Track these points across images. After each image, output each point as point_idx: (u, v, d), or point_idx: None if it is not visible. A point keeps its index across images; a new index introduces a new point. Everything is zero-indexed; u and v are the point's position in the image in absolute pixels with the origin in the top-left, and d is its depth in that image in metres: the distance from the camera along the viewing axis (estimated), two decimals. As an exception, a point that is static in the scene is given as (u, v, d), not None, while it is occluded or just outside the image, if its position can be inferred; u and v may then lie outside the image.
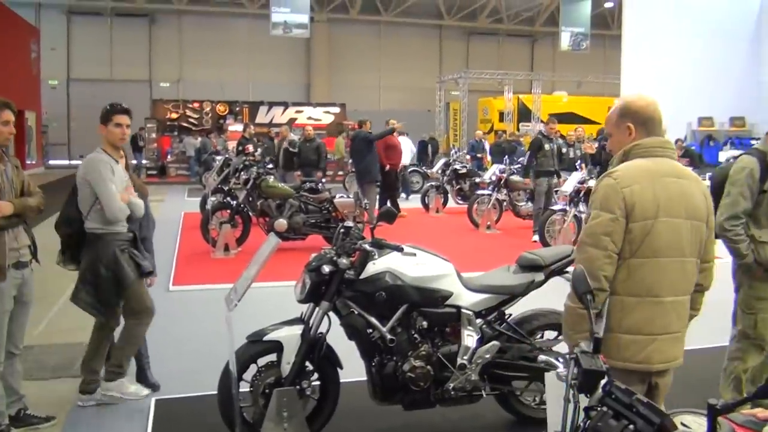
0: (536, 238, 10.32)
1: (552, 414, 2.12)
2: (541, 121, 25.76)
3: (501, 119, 26.69)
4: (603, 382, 1.53)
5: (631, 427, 1.46)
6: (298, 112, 26.96)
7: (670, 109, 13.69)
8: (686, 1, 17.90)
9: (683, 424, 1.48)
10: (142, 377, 4.68)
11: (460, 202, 14.51)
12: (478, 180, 13.96)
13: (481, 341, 3.85)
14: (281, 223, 9.35)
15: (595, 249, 2.55)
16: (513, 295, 3.95)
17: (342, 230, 3.92)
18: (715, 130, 17.71)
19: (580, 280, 1.83)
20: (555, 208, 10.34)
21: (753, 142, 16.93)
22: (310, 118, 26.29)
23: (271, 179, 10.01)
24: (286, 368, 3.71)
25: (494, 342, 3.84)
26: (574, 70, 29.75)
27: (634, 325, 2.57)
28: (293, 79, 31.62)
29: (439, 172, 15.55)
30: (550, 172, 11.03)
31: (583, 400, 1.56)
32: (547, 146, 11.00)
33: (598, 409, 1.51)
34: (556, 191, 10.87)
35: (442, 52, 33.84)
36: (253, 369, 3.82)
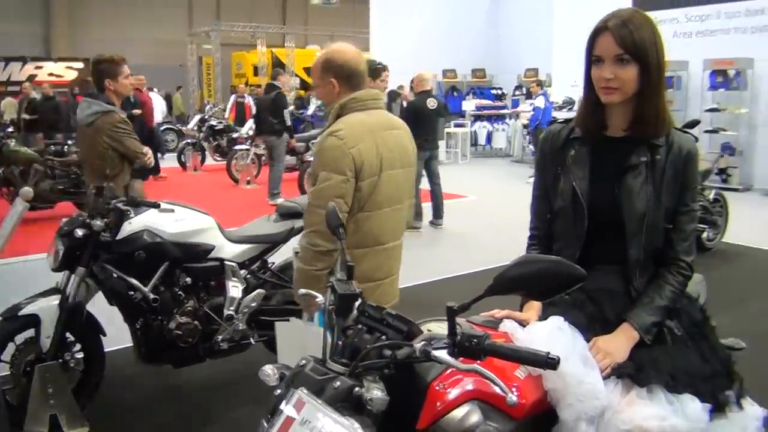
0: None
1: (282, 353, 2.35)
2: (296, 75, 25.96)
3: (256, 73, 26.42)
4: (357, 303, 1.66)
5: (384, 337, 1.62)
6: (38, 68, 24.49)
7: (420, 61, 14.45)
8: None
9: (429, 330, 1.65)
10: None
11: (219, 159, 14.26)
12: (235, 135, 13.79)
13: (247, 291, 3.90)
14: (27, 191, 8.49)
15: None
16: (274, 243, 4.04)
17: (94, 191, 3.71)
18: (458, 81, 19.04)
19: (333, 215, 1.94)
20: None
21: (493, 91, 18.57)
22: (51, 74, 24.04)
23: (12, 143, 9.12)
24: (46, 342, 3.49)
25: (259, 290, 3.92)
26: (326, 24, 30.16)
27: (363, 274, 2.62)
28: (29, 31, 28.45)
29: (195, 128, 15.11)
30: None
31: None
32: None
33: (354, 327, 1.63)
34: None
35: (191, 3, 32.46)
36: (11, 348, 3.55)
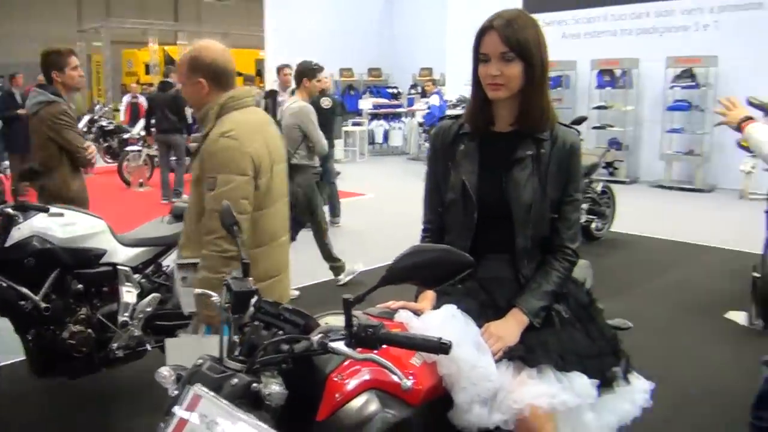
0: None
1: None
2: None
3: (147, 72, 25.59)
4: (253, 300, 1.65)
5: (281, 332, 1.62)
6: None
7: (316, 60, 14.32)
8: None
9: (326, 323, 1.67)
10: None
11: (109, 160, 13.75)
12: (126, 136, 13.33)
13: (141, 295, 3.79)
14: None
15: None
16: (168, 245, 3.94)
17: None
18: (355, 80, 19.12)
19: (227, 213, 1.92)
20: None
21: (389, 90, 18.75)
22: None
23: None
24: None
25: (154, 294, 3.81)
26: (219, 21, 29.58)
27: (265, 272, 2.65)
28: None
29: (84, 129, 14.52)
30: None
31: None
32: None
33: (251, 324, 1.62)
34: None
35: None
36: None
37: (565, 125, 2.13)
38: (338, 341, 1.53)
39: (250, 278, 1.71)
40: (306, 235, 6.12)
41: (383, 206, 10.23)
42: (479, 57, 2.00)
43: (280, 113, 8.69)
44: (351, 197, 10.62)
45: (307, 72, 6.16)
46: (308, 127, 5.94)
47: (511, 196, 2.02)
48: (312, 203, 6.06)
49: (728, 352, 4.74)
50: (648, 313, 5.41)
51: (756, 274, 4.94)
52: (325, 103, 8.44)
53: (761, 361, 3.23)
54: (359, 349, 1.53)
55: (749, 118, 2.66)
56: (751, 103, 3.98)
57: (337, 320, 1.66)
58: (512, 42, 1.94)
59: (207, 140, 2.62)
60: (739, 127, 2.68)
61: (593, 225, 7.67)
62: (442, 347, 1.44)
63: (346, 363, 1.68)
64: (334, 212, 8.71)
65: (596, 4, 13.11)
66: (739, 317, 5.30)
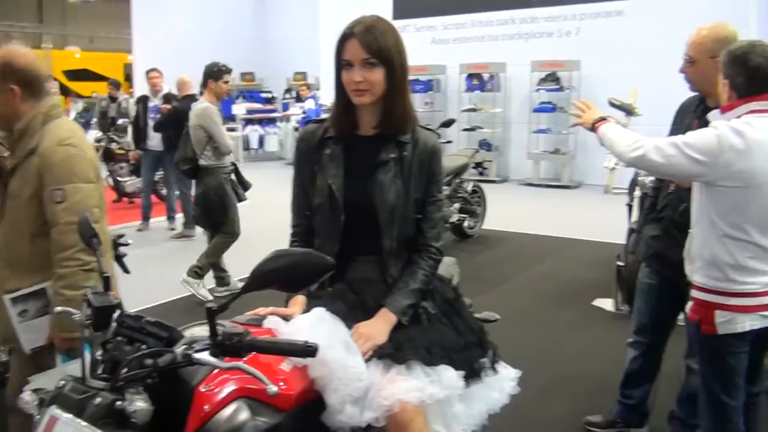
0: None
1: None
2: (54, 79, 24.02)
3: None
4: (115, 315, 1.61)
5: (144, 346, 1.58)
6: None
7: (187, 64, 13.88)
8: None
9: (192, 334, 1.65)
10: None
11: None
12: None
13: None
14: None
15: None
16: None
17: None
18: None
19: (85, 224, 1.86)
20: None
21: (263, 95, 18.53)
22: None
23: None
24: None
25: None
26: (86, 23, 28.31)
27: None
28: None
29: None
30: None
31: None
32: None
33: (113, 340, 1.58)
34: None
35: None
36: None
37: (425, 128, 2.19)
38: (203, 352, 1.51)
39: (112, 292, 1.66)
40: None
41: (260, 213, 10.09)
42: (342, 63, 2.03)
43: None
44: (227, 204, 10.46)
45: (212, 74, 6.04)
46: (211, 128, 5.83)
47: (376, 198, 2.06)
48: (224, 204, 6.01)
49: (597, 337, 5.02)
50: (519, 305, 5.66)
51: (620, 263, 5.26)
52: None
53: (627, 344, 3.45)
54: (226, 359, 1.52)
55: (603, 119, 2.78)
56: (612, 104, 4.21)
57: (203, 330, 1.64)
58: (373, 48, 1.98)
59: (41, 151, 2.44)
60: (593, 128, 2.80)
61: (465, 223, 7.91)
62: (307, 350, 1.46)
63: (213, 373, 1.65)
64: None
65: (463, 11, 13.53)
66: (606, 304, 5.62)
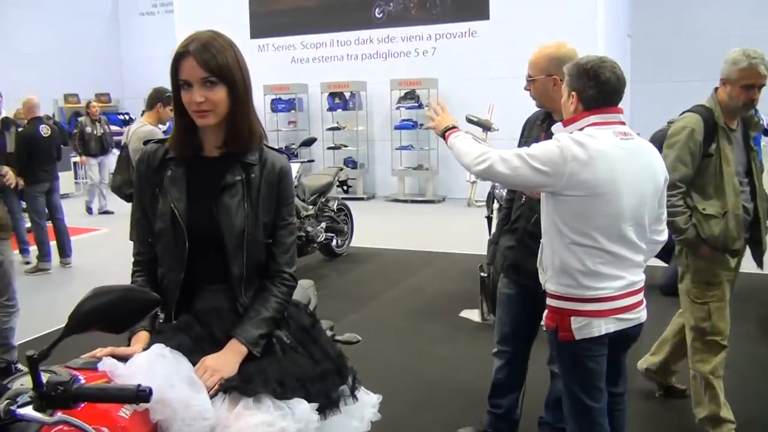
0: None
1: None
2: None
3: None
4: None
5: None
6: None
7: (38, 85, 13.12)
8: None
9: (22, 385, 1.47)
10: None
11: None
12: None
13: None
14: None
15: None
16: None
17: None
18: (81, 106, 17.82)
19: None
20: None
21: (120, 116, 17.75)
22: None
23: None
24: None
25: None
26: None
27: None
28: None
29: None
30: None
31: None
32: None
33: None
34: None
35: None
36: None
37: (274, 149, 2.10)
38: (26, 406, 1.36)
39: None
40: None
41: (118, 240, 9.59)
42: (180, 83, 1.91)
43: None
44: (82, 234, 9.92)
45: (162, 98, 5.62)
46: None
47: (222, 223, 1.95)
48: None
49: (465, 347, 5.07)
50: (388, 321, 5.65)
51: (483, 274, 5.37)
52: (44, 130, 7.75)
53: (492, 354, 3.49)
54: (60, 411, 1.36)
55: (454, 127, 2.78)
56: (470, 120, 4.29)
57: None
58: (212, 66, 1.88)
59: None
60: (443, 135, 2.79)
61: (333, 242, 7.86)
62: (140, 396, 1.33)
63: (42, 429, 1.48)
64: (64, 252, 8.00)
65: (321, 30, 13.59)
66: (473, 315, 5.71)
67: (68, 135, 12.29)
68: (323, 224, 7.60)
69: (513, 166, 2.46)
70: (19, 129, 8.08)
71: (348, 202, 8.61)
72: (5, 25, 15.92)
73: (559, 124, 2.63)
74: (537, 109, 3.22)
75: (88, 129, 11.83)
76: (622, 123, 2.52)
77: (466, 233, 8.96)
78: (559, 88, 2.80)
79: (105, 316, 1.41)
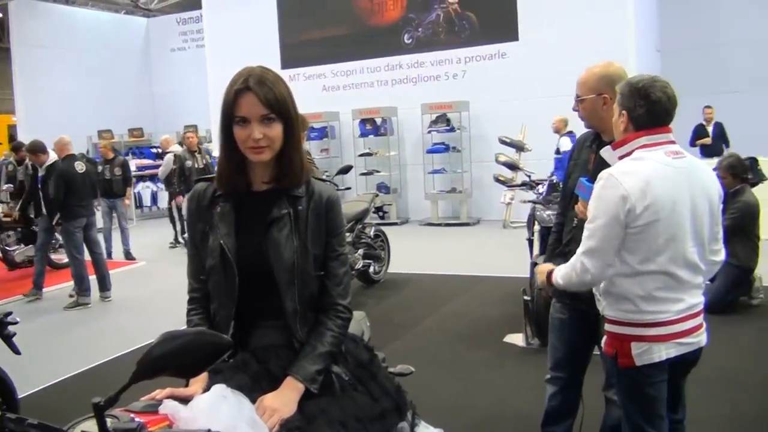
0: None
1: None
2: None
3: None
4: None
5: None
6: None
7: (71, 123, 13.37)
8: (73, 16, 17.95)
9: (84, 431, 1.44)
10: None
11: None
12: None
13: None
14: None
15: None
16: None
17: None
18: (115, 141, 18.15)
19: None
20: None
21: (153, 150, 18.00)
22: None
23: None
24: None
25: None
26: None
27: None
28: None
29: None
30: None
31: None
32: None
33: None
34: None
35: None
36: None
37: (320, 179, 2.07)
38: (95, 454, 1.32)
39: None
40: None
41: (156, 273, 9.68)
42: (234, 119, 1.88)
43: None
44: (121, 267, 9.99)
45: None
46: None
47: (271, 257, 1.92)
48: None
49: (513, 373, 4.97)
50: (432, 348, 5.56)
51: (526, 297, 5.28)
52: (79, 167, 7.85)
53: (545, 380, 3.40)
54: None
55: (551, 271, 2.75)
56: (503, 142, 4.25)
57: (93, 426, 1.43)
58: (272, 103, 1.86)
59: None
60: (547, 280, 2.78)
61: (371, 269, 7.82)
62: (207, 440, 1.29)
63: None
64: (103, 285, 8.06)
65: (351, 58, 13.71)
66: (517, 339, 5.60)
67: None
68: (360, 251, 7.57)
69: (593, 246, 2.43)
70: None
71: (383, 228, 8.57)
72: (39, 67, 16.30)
73: (609, 147, 2.58)
74: (570, 128, 3.15)
75: (188, 163, 10.33)
76: (673, 142, 2.46)
77: (504, 256, 8.86)
78: (609, 107, 2.76)
79: (175, 361, 1.38)
